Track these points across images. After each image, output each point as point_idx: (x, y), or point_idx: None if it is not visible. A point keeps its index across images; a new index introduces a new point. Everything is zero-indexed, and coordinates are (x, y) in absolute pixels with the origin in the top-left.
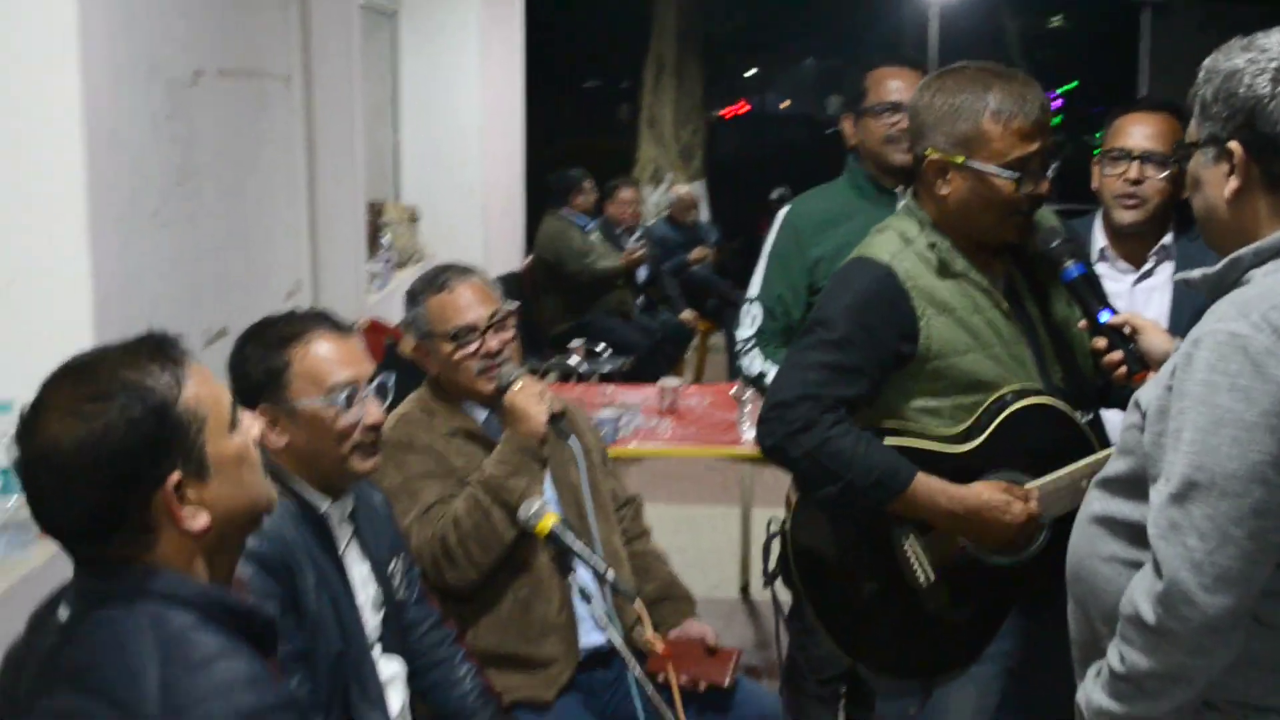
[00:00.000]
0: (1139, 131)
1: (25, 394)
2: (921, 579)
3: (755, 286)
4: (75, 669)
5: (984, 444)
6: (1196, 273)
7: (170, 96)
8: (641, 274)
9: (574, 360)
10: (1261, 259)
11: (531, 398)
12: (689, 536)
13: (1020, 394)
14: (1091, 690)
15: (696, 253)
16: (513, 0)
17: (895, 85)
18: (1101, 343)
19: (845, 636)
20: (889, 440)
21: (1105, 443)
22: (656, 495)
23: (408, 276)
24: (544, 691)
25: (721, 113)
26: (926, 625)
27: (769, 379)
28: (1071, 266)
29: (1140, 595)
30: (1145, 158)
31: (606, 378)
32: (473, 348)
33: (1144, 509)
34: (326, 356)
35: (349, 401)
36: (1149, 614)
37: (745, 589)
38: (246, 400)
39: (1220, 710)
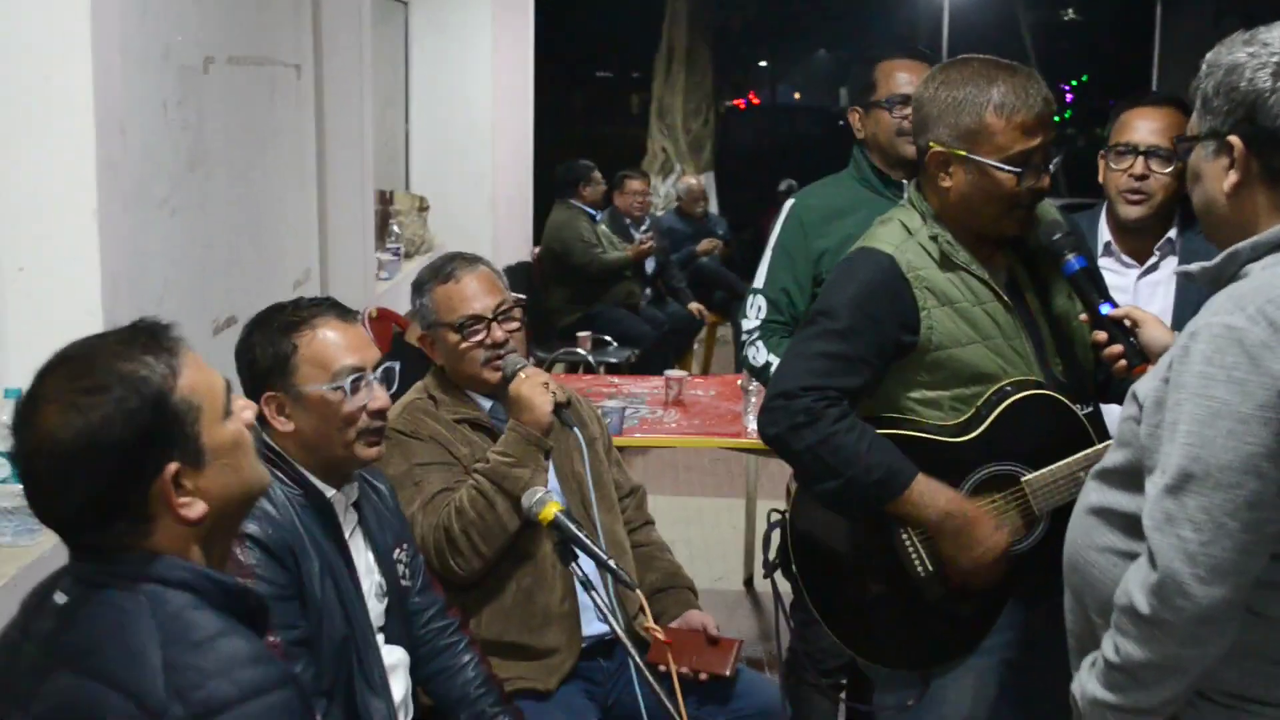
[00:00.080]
0: (1144, 126)
1: None
2: (920, 570)
3: (760, 278)
4: (76, 652)
5: (983, 435)
6: (1195, 266)
7: (181, 84)
8: (649, 265)
9: (581, 351)
10: (1259, 253)
11: (536, 388)
12: (694, 528)
13: (1020, 386)
14: (1086, 680)
15: (705, 244)
16: None
17: (905, 78)
18: (1102, 335)
19: (844, 627)
20: (887, 430)
21: (1104, 435)
22: (662, 486)
23: (416, 266)
24: (546, 680)
25: (734, 102)
26: (925, 616)
27: (774, 370)
28: (1073, 260)
29: (1135, 586)
30: (1150, 153)
31: (613, 368)
32: (478, 338)
33: (1140, 501)
34: (333, 342)
35: (354, 387)
36: (1144, 605)
37: (749, 581)
38: (254, 386)
39: (1214, 701)
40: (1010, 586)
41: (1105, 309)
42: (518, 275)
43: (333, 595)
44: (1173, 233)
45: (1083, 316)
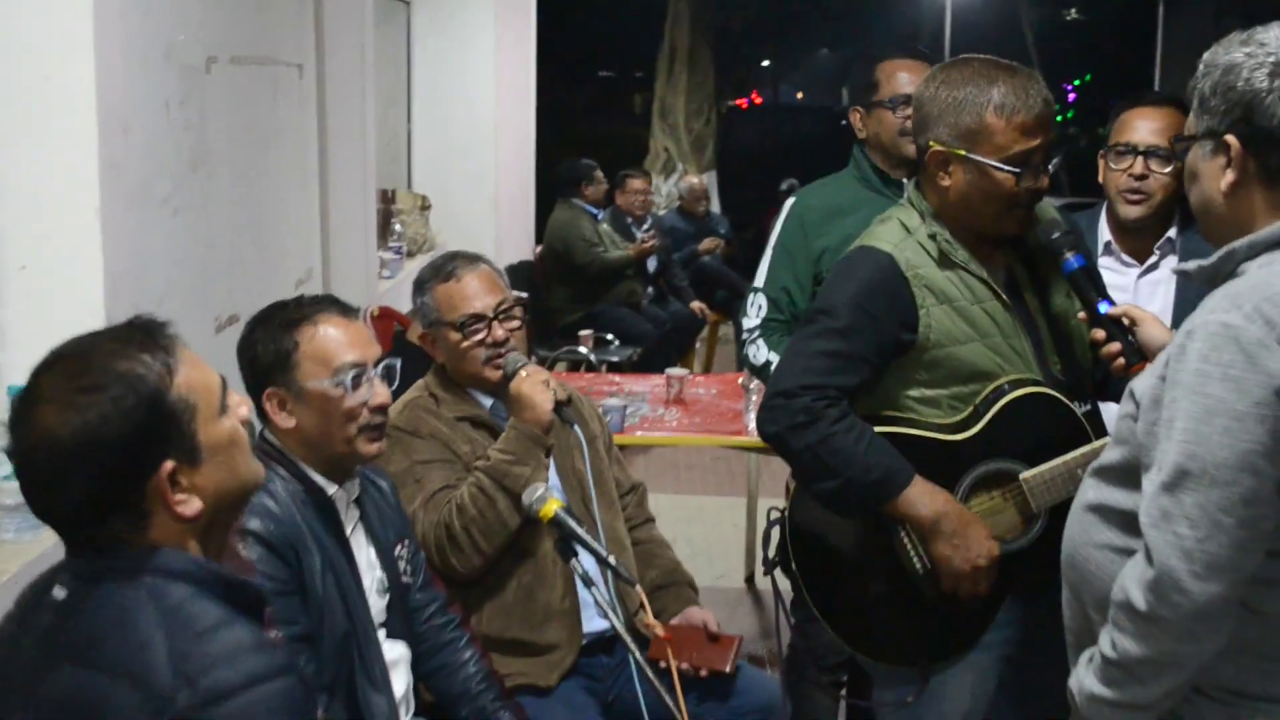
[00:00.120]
0: (1144, 126)
1: None
2: (919, 567)
3: (761, 277)
4: (79, 645)
5: (981, 433)
6: (1192, 264)
7: (183, 83)
8: (651, 264)
9: (583, 349)
10: (1256, 251)
11: (537, 386)
12: (695, 526)
13: (1017, 383)
14: (1083, 676)
15: (707, 243)
16: None
17: (907, 78)
18: (1100, 334)
19: (843, 624)
20: (885, 428)
21: (1103, 433)
22: (663, 485)
23: (419, 264)
24: (547, 676)
25: (737, 102)
26: (924, 613)
27: (774, 369)
28: (1071, 258)
29: (1132, 582)
30: (1150, 153)
31: (615, 367)
32: (479, 336)
33: (1137, 498)
34: (334, 338)
35: (355, 383)
36: (1140, 601)
37: (750, 579)
38: (255, 383)
39: (1210, 697)
40: (1009, 583)
41: (1103, 307)
42: (520, 274)
43: (334, 591)
44: (1173, 232)
45: (1081, 315)
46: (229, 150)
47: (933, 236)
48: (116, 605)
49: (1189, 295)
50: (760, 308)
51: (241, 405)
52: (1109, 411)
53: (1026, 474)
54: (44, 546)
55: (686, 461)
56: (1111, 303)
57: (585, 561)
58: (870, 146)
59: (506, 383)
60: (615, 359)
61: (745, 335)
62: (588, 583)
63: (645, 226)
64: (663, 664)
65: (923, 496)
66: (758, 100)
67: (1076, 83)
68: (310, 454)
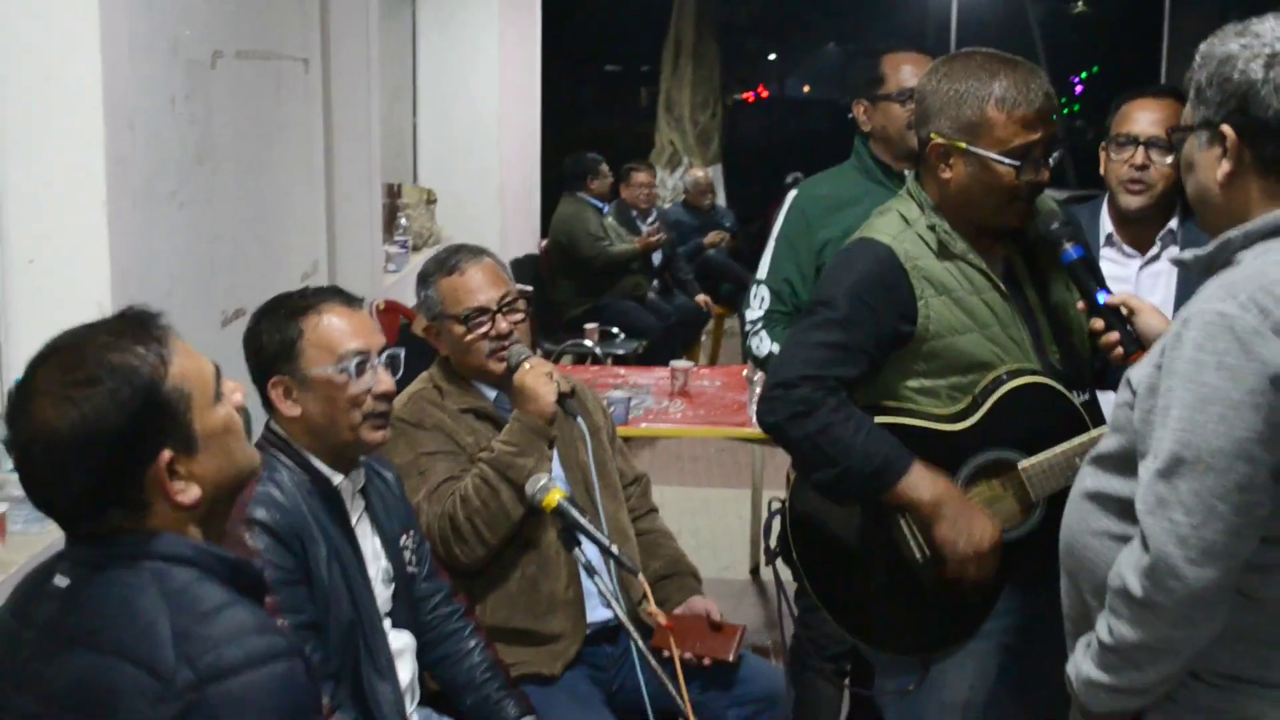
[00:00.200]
0: (1145, 117)
1: None
2: (918, 556)
3: (764, 269)
4: (85, 630)
5: (980, 422)
6: (1188, 253)
7: (189, 77)
8: (656, 258)
9: (588, 343)
10: (1251, 240)
11: (540, 378)
12: (700, 518)
13: (1016, 373)
14: (1081, 661)
15: (712, 237)
16: None
17: (912, 70)
18: (1099, 323)
19: (843, 613)
20: (885, 419)
21: (1101, 422)
22: (669, 477)
23: (424, 258)
24: (551, 665)
25: (743, 96)
26: (923, 602)
27: (774, 360)
28: (1070, 249)
29: (1128, 569)
30: (1151, 143)
31: (620, 360)
32: (483, 329)
33: (1135, 485)
34: (338, 327)
35: (359, 370)
36: (1136, 587)
37: (755, 570)
38: (260, 372)
39: (1206, 682)
40: (1008, 572)
41: (1102, 297)
42: (525, 268)
43: (339, 580)
44: (1174, 223)
45: (1080, 304)
46: (234, 145)
47: (932, 228)
48: (120, 590)
49: (1190, 286)
50: (763, 299)
51: (236, 392)
52: (1107, 401)
53: (1025, 463)
54: (52, 538)
55: (691, 454)
56: (1110, 292)
57: (588, 551)
58: (874, 139)
59: (510, 375)
60: (620, 352)
61: (748, 327)
62: (590, 572)
63: (650, 220)
64: (666, 653)
65: (922, 482)
66: (764, 94)
67: (1083, 75)
68: (316, 443)
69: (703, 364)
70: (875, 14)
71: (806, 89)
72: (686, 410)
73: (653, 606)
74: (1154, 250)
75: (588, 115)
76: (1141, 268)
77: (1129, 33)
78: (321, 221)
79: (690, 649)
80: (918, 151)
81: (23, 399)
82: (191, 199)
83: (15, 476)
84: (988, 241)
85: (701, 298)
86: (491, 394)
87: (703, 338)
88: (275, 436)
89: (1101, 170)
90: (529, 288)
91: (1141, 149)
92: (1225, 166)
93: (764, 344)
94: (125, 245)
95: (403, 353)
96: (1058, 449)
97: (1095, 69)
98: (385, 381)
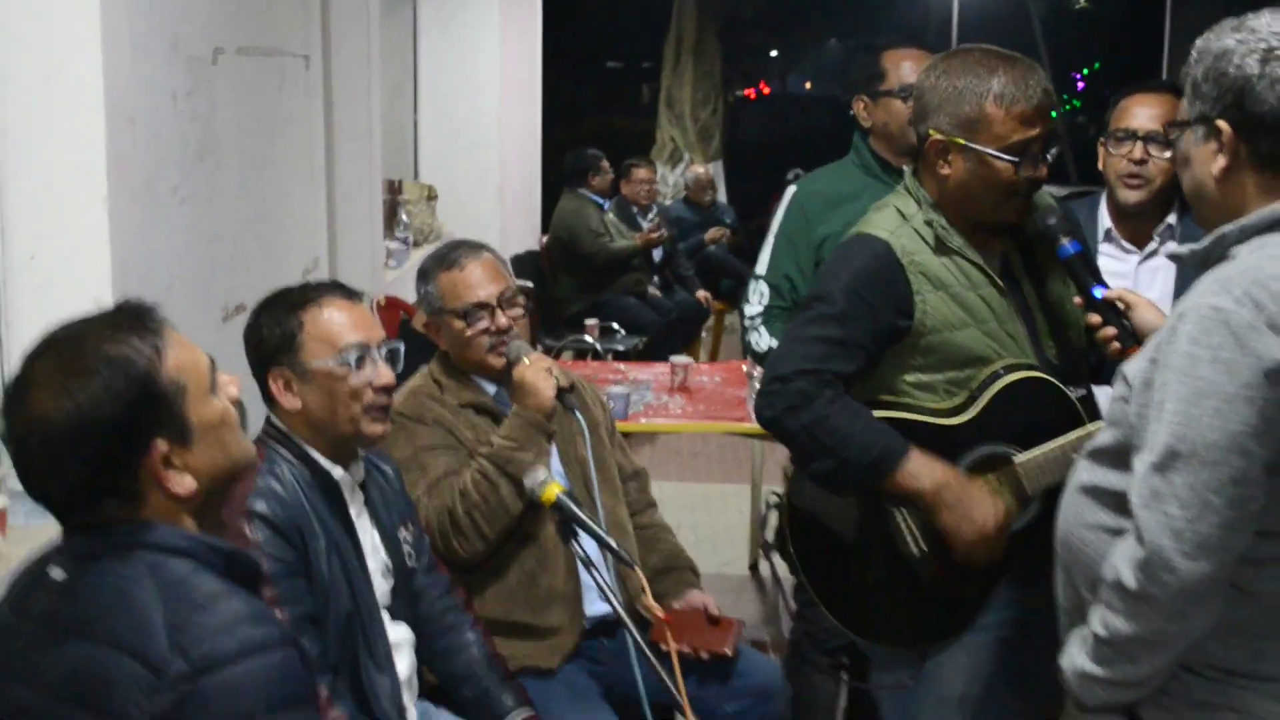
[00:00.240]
0: (1143, 113)
1: None
2: (914, 550)
3: (763, 264)
4: (80, 621)
5: (976, 417)
6: (1184, 248)
7: (190, 74)
8: (657, 254)
9: (589, 338)
10: (1246, 235)
11: (540, 373)
12: (700, 513)
13: (1012, 368)
14: (1074, 654)
15: (712, 233)
16: None
17: (912, 66)
18: (1096, 318)
19: (840, 607)
20: (882, 413)
21: (1097, 417)
22: (669, 473)
23: (425, 254)
24: (549, 659)
25: (745, 92)
26: (919, 596)
27: (771, 355)
28: (1067, 244)
29: (1122, 561)
30: (1149, 138)
31: (621, 356)
32: (483, 324)
33: (1129, 479)
34: (338, 320)
35: (359, 363)
36: (1130, 580)
37: (755, 566)
38: (261, 364)
39: (1199, 674)
40: (1004, 566)
41: (1098, 292)
42: (526, 264)
43: (339, 573)
44: (1172, 218)
45: (1077, 299)
46: (236, 141)
47: (929, 223)
48: (115, 581)
49: (1188, 281)
50: (762, 295)
51: (231, 385)
52: (1104, 396)
53: (1021, 457)
54: (53, 531)
55: (691, 449)
56: (1106, 287)
57: (586, 545)
58: (875, 135)
59: (509, 370)
60: (621, 348)
61: (747, 322)
62: (588, 566)
63: (650, 216)
64: (663, 647)
65: (921, 469)
66: (765, 91)
67: (1085, 72)
68: (316, 436)
69: (703, 360)
70: (877, 10)
71: (808, 85)
72: (686, 405)
73: (650, 600)
74: (1152, 245)
75: (589, 111)
76: (1140, 263)
77: (1130, 29)
78: (322, 218)
79: (687, 643)
80: (915, 147)
81: (19, 390)
82: (192, 195)
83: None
84: (985, 237)
85: (702, 294)
86: (491, 389)
87: (703, 334)
88: (275, 430)
89: (1100, 165)
90: (529, 284)
91: (1140, 144)
92: (1221, 161)
93: (763, 339)
94: (126, 241)
95: (402, 347)
96: (1054, 443)
97: (1097, 65)
98: (385, 374)
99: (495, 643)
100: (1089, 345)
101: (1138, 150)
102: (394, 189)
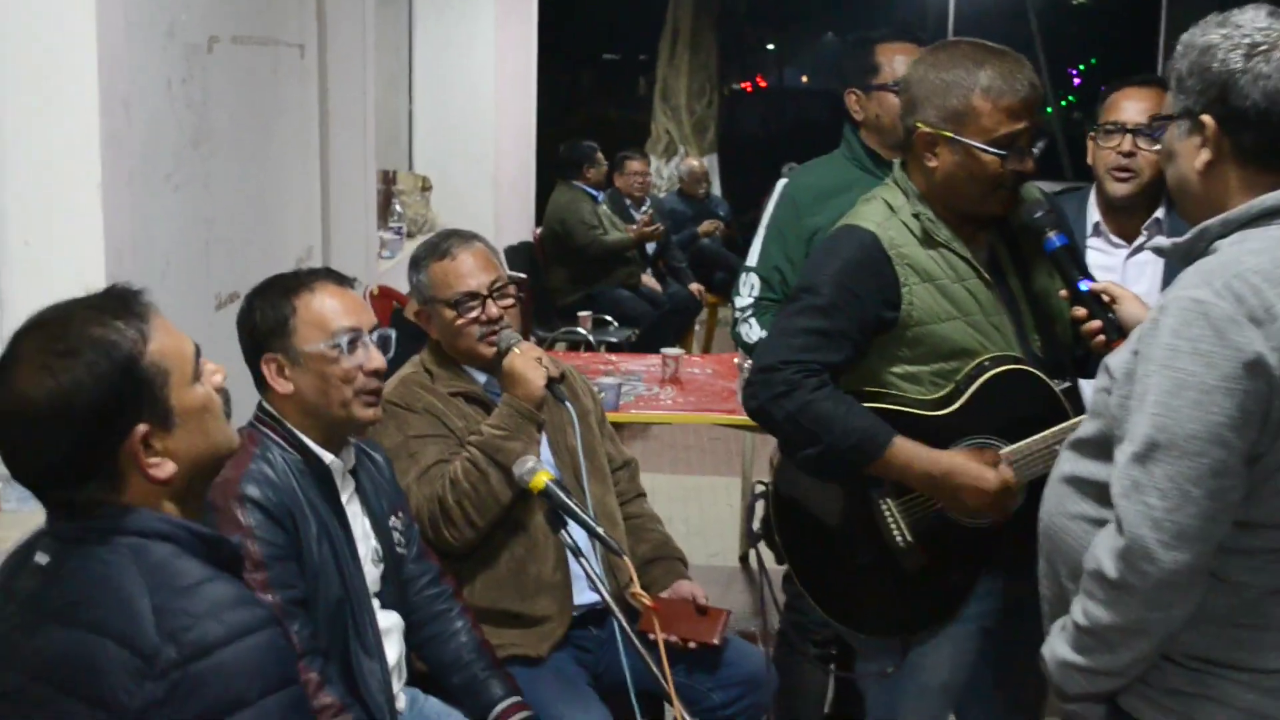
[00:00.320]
0: (1133, 106)
1: None
2: (899, 540)
3: (753, 256)
4: (64, 606)
5: (961, 409)
6: (1167, 241)
7: (185, 62)
8: (650, 246)
9: (582, 330)
10: (1229, 229)
11: (530, 363)
12: (691, 506)
13: (998, 361)
14: (1056, 643)
15: (706, 225)
16: None
17: (905, 60)
18: (1081, 311)
19: (825, 596)
20: (868, 405)
21: (1081, 410)
22: (660, 465)
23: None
24: (538, 647)
25: (742, 85)
26: (904, 586)
27: (758, 346)
28: (1053, 237)
29: (1103, 551)
30: (1138, 131)
31: (614, 348)
32: (474, 314)
33: (1111, 469)
34: (330, 305)
35: (351, 347)
36: (1111, 569)
37: (745, 558)
38: (254, 350)
39: (1178, 664)
40: (988, 557)
41: (1084, 285)
42: (520, 255)
43: (329, 558)
44: (1160, 212)
45: (1063, 292)
46: (230, 129)
47: (916, 216)
48: (99, 566)
49: (1175, 275)
50: (753, 287)
51: (216, 373)
52: (1089, 389)
53: (1006, 450)
54: (45, 517)
55: (684, 442)
56: (1092, 280)
57: (575, 534)
58: (866, 128)
59: (500, 359)
60: (614, 340)
61: (738, 314)
62: (577, 554)
63: (644, 208)
64: (651, 636)
65: (910, 454)
66: (762, 84)
67: (1081, 68)
68: (307, 421)
69: (696, 353)
70: (874, 5)
71: (804, 79)
72: (677, 397)
73: (637, 588)
74: (1140, 239)
75: (584, 103)
76: (1128, 257)
77: (1127, 25)
78: (316, 207)
79: (675, 632)
80: (903, 140)
81: (3, 369)
82: (187, 182)
83: None
84: (972, 229)
85: (695, 286)
86: (482, 378)
87: (696, 326)
88: (267, 415)
89: (1089, 159)
90: (523, 275)
91: (1129, 136)
92: (1204, 155)
93: (753, 331)
94: (120, 228)
95: (394, 333)
96: (1038, 436)
97: (1093, 61)
98: (376, 358)
99: (484, 631)
100: (1075, 338)
101: (1126, 143)
102: (388, 179)
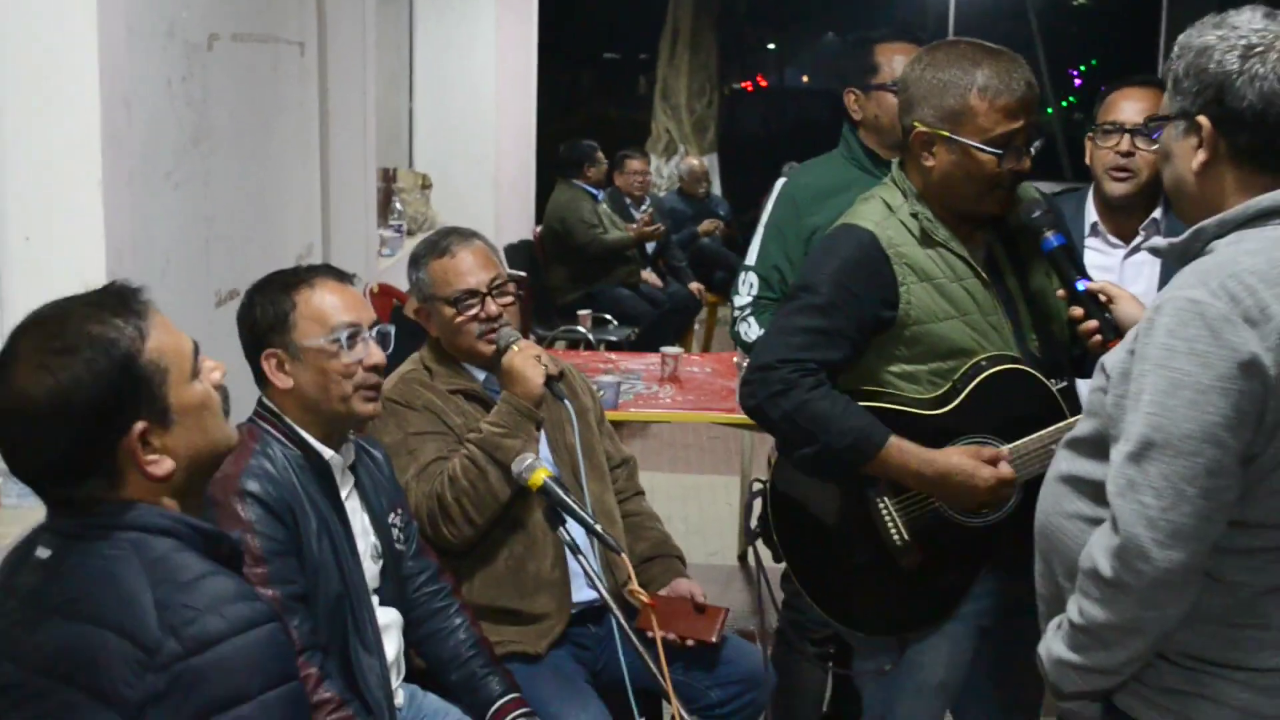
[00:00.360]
0: (1130, 106)
1: None
2: (896, 539)
3: (752, 255)
4: (66, 600)
5: (958, 408)
6: (1163, 241)
7: (185, 60)
8: (650, 245)
9: (581, 329)
10: (1225, 230)
11: (529, 360)
12: (690, 504)
13: (995, 360)
14: (1051, 642)
15: (706, 225)
16: None
17: (905, 60)
18: (1078, 311)
19: (821, 593)
20: (866, 404)
21: (1078, 410)
22: (659, 464)
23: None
24: (536, 644)
25: (741, 85)
26: (900, 584)
27: (756, 345)
28: (1051, 237)
29: (1098, 550)
30: (1136, 130)
31: (613, 346)
32: (473, 312)
33: (1107, 469)
34: (330, 300)
35: (351, 342)
36: (1106, 568)
37: (743, 556)
38: (254, 345)
39: (1173, 662)
40: (985, 556)
41: (1081, 284)
42: (520, 253)
43: (329, 554)
44: (1158, 212)
45: (1060, 292)
46: (230, 127)
47: (915, 215)
48: (100, 560)
49: (1172, 275)
50: (752, 286)
51: (215, 371)
52: (1085, 388)
53: (1003, 449)
54: (45, 512)
55: (683, 441)
56: (1089, 280)
57: (574, 531)
58: (865, 128)
59: (499, 357)
60: (613, 338)
61: (736, 313)
62: (575, 551)
63: (644, 207)
64: (649, 633)
65: (905, 454)
66: (762, 83)
67: (1081, 68)
68: (307, 416)
69: (695, 351)
70: (875, 5)
71: (805, 79)
72: (676, 396)
73: (635, 585)
74: (1138, 240)
75: (584, 102)
76: (1125, 257)
77: (1127, 26)
78: (316, 205)
79: (673, 629)
80: (901, 139)
81: (2, 367)
82: (187, 180)
83: None
84: (969, 229)
85: (695, 285)
86: (481, 375)
87: (696, 325)
88: (267, 411)
89: (1087, 159)
90: (522, 273)
91: (1127, 136)
92: (1201, 156)
93: (752, 330)
94: (120, 225)
95: (393, 329)
96: (1035, 436)
97: (1094, 62)
98: (376, 354)
99: (482, 628)
100: (1072, 338)
101: (1124, 143)
102: (388, 177)
